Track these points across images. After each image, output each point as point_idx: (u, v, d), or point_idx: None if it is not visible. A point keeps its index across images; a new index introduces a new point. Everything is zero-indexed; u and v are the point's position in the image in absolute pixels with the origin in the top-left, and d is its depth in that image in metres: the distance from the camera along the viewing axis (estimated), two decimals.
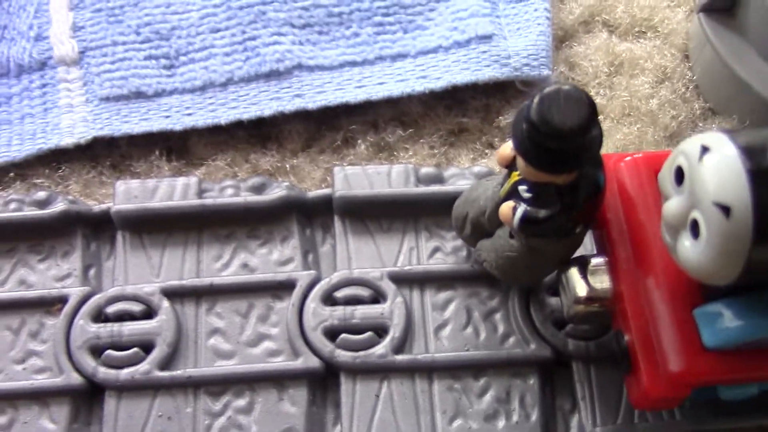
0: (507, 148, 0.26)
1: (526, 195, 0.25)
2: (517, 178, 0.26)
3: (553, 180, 0.24)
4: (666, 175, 0.24)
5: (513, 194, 0.26)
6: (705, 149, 0.22)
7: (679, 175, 0.23)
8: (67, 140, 0.35)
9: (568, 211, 0.25)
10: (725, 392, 0.26)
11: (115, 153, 0.35)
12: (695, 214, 0.22)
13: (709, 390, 0.26)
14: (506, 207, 0.26)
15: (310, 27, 0.37)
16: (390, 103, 0.36)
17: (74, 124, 0.35)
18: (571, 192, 0.25)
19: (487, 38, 0.37)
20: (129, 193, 0.32)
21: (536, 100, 0.23)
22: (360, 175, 0.32)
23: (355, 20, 0.37)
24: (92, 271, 0.31)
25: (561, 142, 0.23)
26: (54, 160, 0.35)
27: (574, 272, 0.27)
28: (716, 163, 0.22)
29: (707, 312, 0.25)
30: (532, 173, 0.24)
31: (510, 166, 0.26)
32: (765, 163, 0.22)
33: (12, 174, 0.35)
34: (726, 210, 0.22)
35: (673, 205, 0.23)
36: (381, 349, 0.29)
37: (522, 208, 0.25)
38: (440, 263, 0.31)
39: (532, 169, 0.24)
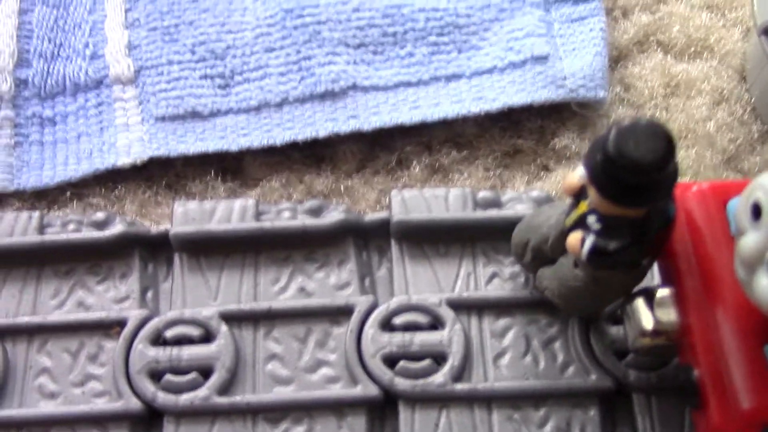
0: (574, 177, 0.26)
1: (596, 226, 0.25)
2: (586, 208, 0.25)
3: (626, 213, 0.24)
4: (742, 210, 0.23)
5: (581, 224, 0.26)
6: None
7: (756, 210, 0.23)
8: (123, 160, 0.35)
9: (639, 244, 0.25)
10: None
11: (171, 173, 0.35)
12: None
13: None
14: (574, 237, 0.26)
15: (365, 47, 0.37)
16: (444, 124, 0.36)
17: (130, 143, 0.35)
18: (642, 225, 0.24)
19: (542, 59, 0.36)
20: (187, 216, 0.32)
21: (614, 132, 0.22)
22: (417, 199, 0.32)
23: (409, 40, 0.37)
24: (150, 294, 0.31)
25: (638, 177, 0.22)
26: (110, 179, 0.35)
27: (640, 303, 0.27)
28: None
29: None
30: (605, 205, 0.24)
31: (578, 195, 0.26)
32: None
33: (68, 193, 0.35)
34: None
35: (750, 241, 0.23)
36: (440, 377, 0.29)
37: (591, 239, 0.25)
38: (498, 289, 0.31)
39: (606, 202, 0.23)
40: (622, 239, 0.24)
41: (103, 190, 0.35)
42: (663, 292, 0.27)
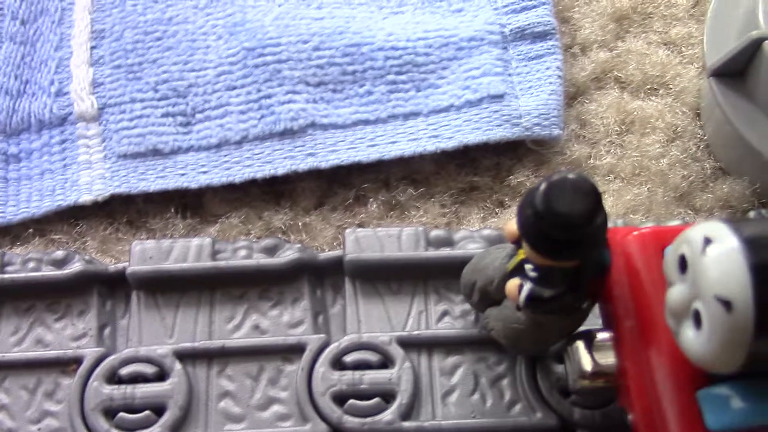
0: (514, 224, 0.26)
1: (532, 274, 0.26)
2: (523, 256, 0.26)
3: (559, 264, 0.25)
4: (670, 262, 0.24)
5: (519, 270, 0.26)
6: (708, 240, 0.23)
7: (683, 263, 0.24)
8: (85, 197, 0.35)
9: (574, 291, 0.25)
10: None
11: (132, 210, 0.36)
12: (697, 305, 0.23)
13: None
14: (512, 284, 0.26)
15: (325, 85, 0.37)
16: (402, 161, 0.37)
17: (92, 181, 0.36)
18: (576, 273, 0.25)
19: (498, 97, 0.37)
20: (144, 254, 0.32)
21: (542, 188, 0.23)
22: (371, 238, 0.33)
23: (368, 78, 0.38)
24: (107, 331, 0.32)
25: (566, 232, 0.23)
26: (72, 216, 0.36)
27: (580, 346, 0.28)
28: (718, 255, 0.22)
29: (711, 394, 0.25)
30: (537, 257, 0.24)
31: (518, 241, 0.27)
32: (766, 256, 0.22)
33: (31, 230, 0.35)
34: (727, 304, 0.22)
35: (676, 293, 0.24)
36: (388, 415, 0.30)
37: (528, 286, 0.26)
38: (449, 328, 0.32)
39: (537, 254, 0.24)
40: (557, 287, 0.25)
41: (65, 226, 0.36)
42: (602, 336, 0.28)
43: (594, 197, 0.23)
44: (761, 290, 0.22)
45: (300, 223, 0.36)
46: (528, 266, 0.26)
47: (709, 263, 0.22)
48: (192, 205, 0.36)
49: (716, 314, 0.22)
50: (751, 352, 0.22)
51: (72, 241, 0.35)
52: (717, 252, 0.22)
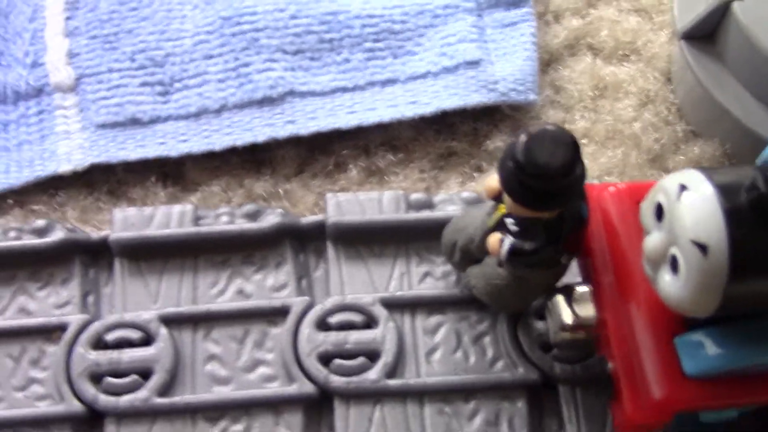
0: (493, 180, 0.27)
1: (513, 228, 0.26)
2: (504, 210, 0.27)
3: (539, 215, 0.25)
4: (647, 210, 0.25)
5: (500, 226, 0.27)
6: (683, 187, 0.23)
7: (659, 211, 0.24)
8: (64, 167, 0.35)
9: (554, 244, 0.26)
10: (706, 416, 0.27)
11: (112, 179, 0.36)
12: (674, 251, 0.23)
13: (691, 414, 0.27)
14: (493, 238, 0.27)
15: (302, 53, 0.38)
16: (381, 127, 0.37)
17: (71, 151, 0.36)
18: (555, 226, 0.26)
19: (474, 63, 0.38)
20: (126, 221, 0.33)
21: (522, 140, 0.24)
22: (352, 202, 0.33)
23: (345, 46, 0.38)
24: (91, 298, 0.32)
25: (546, 183, 0.24)
26: (51, 186, 0.36)
27: (559, 300, 0.28)
28: (693, 201, 0.23)
29: (688, 341, 0.26)
30: (518, 209, 0.25)
31: (497, 197, 0.27)
32: (740, 201, 0.23)
33: (10, 201, 0.35)
34: (703, 248, 0.23)
35: (653, 240, 0.24)
36: (373, 374, 0.30)
37: (508, 240, 0.26)
38: (431, 288, 0.32)
39: (518, 206, 0.25)
40: (537, 240, 0.26)
41: (45, 197, 0.35)
42: (581, 289, 0.28)
43: (573, 147, 0.24)
44: (735, 234, 0.22)
45: (281, 190, 0.36)
46: (509, 220, 0.26)
47: (684, 209, 0.23)
48: (172, 174, 0.36)
49: (692, 258, 0.23)
50: (725, 295, 0.23)
51: (52, 212, 0.35)
52: (692, 198, 0.23)
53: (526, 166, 0.23)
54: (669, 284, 0.24)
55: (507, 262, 0.27)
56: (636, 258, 0.27)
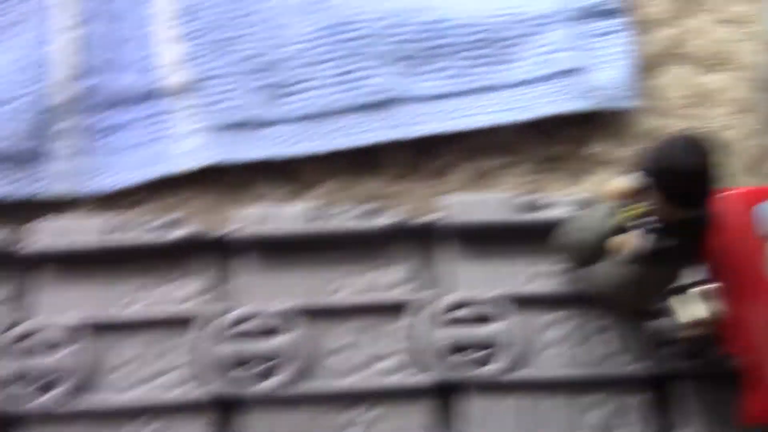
0: (622, 183, 0.28)
1: (655, 227, 0.27)
2: (636, 210, 0.28)
3: (677, 215, 0.26)
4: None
5: (636, 226, 0.28)
6: None
7: None
8: (180, 167, 0.37)
9: (689, 243, 0.27)
10: None
11: (227, 179, 0.37)
12: None
13: None
14: (624, 238, 0.28)
15: (405, 60, 0.39)
16: (483, 132, 0.38)
17: (187, 151, 0.37)
18: (694, 225, 0.27)
19: (571, 72, 0.39)
20: (248, 219, 0.34)
21: (669, 144, 0.25)
22: (465, 203, 0.34)
23: (446, 54, 0.39)
24: (216, 292, 0.33)
25: (693, 183, 0.25)
26: (168, 186, 0.37)
27: (683, 298, 0.29)
28: None
29: None
30: (666, 208, 0.26)
31: (629, 198, 0.28)
32: None
33: (131, 199, 0.36)
34: None
35: None
36: (495, 367, 0.31)
37: (651, 238, 0.27)
38: (547, 286, 0.33)
39: (668, 205, 0.26)
40: (681, 238, 0.27)
41: (161, 197, 0.37)
42: (705, 288, 0.29)
43: (711, 152, 0.25)
44: None
45: (390, 192, 0.37)
46: (643, 220, 0.27)
47: None
48: (286, 174, 0.37)
49: None
50: None
51: (170, 210, 0.36)
52: None
53: (681, 165, 0.25)
54: None
55: (648, 259, 0.28)
56: (753, 259, 0.28)
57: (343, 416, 0.31)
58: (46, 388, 0.31)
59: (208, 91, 0.38)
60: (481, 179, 0.38)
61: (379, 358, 0.32)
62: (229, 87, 0.38)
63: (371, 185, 0.37)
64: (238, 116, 0.37)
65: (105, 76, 0.39)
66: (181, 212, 0.36)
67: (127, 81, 0.39)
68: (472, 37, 0.40)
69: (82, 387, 0.31)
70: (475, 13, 0.40)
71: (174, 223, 0.34)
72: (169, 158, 0.37)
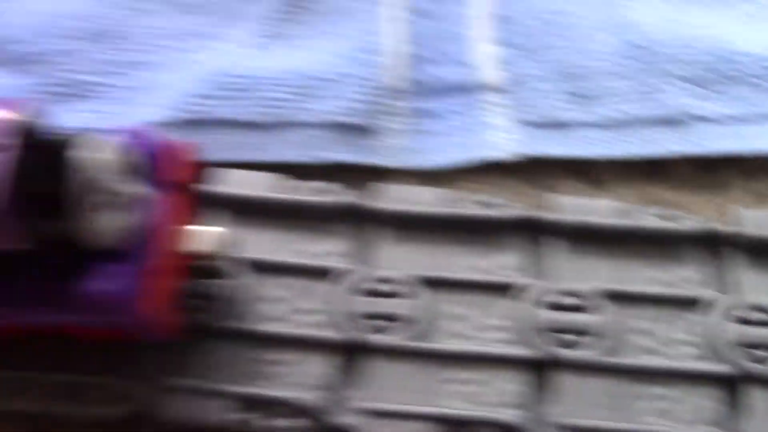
0: None
1: None
2: None
3: None
4: None
5: None
6: None
7: None
8: (494, 155, 0.42)
9: None
10: None
11: (533, 170, 0.42)
12: None
13: None
14: None
15: (700, 82, 0.43)
16: (762, 157, 0.42)
17: (500, 142, 0.42)
18: None
19: None
20: (563, 207, 0.39)
21: None
22: (758, 217, 0.38)
23: (734, 78, 0.43)
24: (534, 270, 0.38)
25: None
26: (478, 171, 0.42)
27: None
28: None
29: None
30: None
31: None
32: None
33: (446, 179, 0.42)
34: None
35: None
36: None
37: None
38: None
39: None
40: None
41: (475, 178, 0.42)
42: None
43: None
44: None
45: (677, 202, 0.41)
46: None
47: None
48: (586, 174, 0.42)
49: None
50: None
51: (483, 191, 0.41)
52: None
53: None
54: None
55: None
56: None
57: (648, 390, 0.35)
58: (382, 329, 0.36)
59: (523, 92, 0.43)
60: (757, 198, 0.42)
61: (685, 344, 0.36)
62: (541, 90, 0.43)
63: (660, 193, 0.41)
64: (548, 117, 0.42)
65: (428, 66, 0.44)
66: (493, 194, 0.41)
67: (448, 73, 0.44)
68: (759, 65, 0.43)
69: (418, 332, 0.36)
70: (760, 44, 0.44)
71: (490, 203, 0.39)
72: (484, 146, 0.42)
